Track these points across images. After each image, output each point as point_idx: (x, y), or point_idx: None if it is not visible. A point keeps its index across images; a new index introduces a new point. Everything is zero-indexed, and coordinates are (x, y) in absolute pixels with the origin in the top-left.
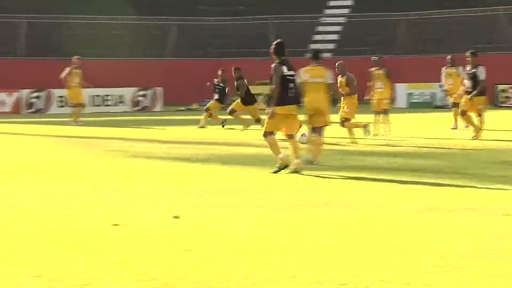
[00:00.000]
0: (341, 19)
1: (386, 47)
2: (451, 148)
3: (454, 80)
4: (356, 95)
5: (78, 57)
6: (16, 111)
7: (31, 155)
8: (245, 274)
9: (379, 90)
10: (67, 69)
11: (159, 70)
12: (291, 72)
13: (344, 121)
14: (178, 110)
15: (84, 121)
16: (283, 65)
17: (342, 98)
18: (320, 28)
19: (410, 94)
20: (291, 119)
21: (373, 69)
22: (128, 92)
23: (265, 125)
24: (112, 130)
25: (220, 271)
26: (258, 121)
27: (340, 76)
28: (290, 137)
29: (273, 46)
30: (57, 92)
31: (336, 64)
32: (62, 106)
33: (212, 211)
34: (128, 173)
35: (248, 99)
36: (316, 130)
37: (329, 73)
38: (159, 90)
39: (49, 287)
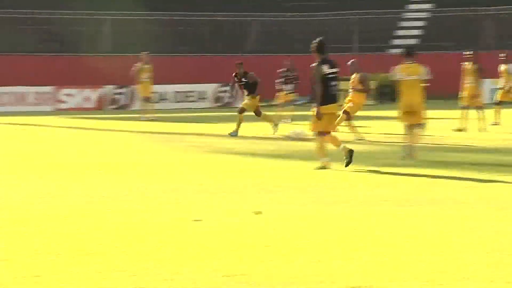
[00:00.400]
0: (425, 14)
1: (470, 42)
2: None
3: (506, 78)
4: (365, 94)
5: (146, 52)
6: (99, 107)
7: (118, 151)
8: (329, 270)
9: (469, 85)
10: (137, 65)
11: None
12: (334, 70)
13: (346, 114)
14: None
15: (162, 117)
16: (325, 63)
17: (351, 93)
18: (403, 24)
19: (494, 89)
20: (332, 117)
21: (465, 63)
22: (210, 88)
23: (312, 125)
24: (195, 126)
25: (305, 267)
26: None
27: (354, 73)
28: (326, 134)
29: (314, 45)
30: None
31: (350, 62)
32: None
33: (293, 207)
34: (211, 169)
35: (254, 90)
36: (411, 127)
37: (425, 70)
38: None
39: (133, 282)
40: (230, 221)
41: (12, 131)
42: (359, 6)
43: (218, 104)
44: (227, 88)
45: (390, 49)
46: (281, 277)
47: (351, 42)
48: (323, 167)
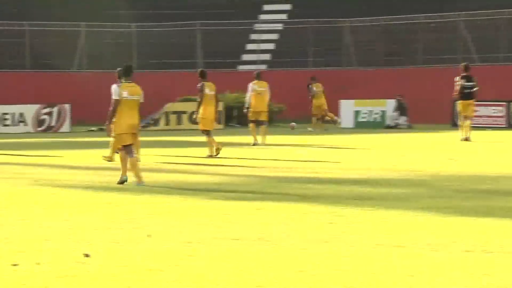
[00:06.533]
0: (278, 26)
1: (331, 57)
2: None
3: None
4: None
5: None
6: None
7: None
8: None
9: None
10: None
11: (65, 84)
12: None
13: None
14: (89, 131)
15: None
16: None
17: None
18: (254, 36)
19: (357, 111)
20: None
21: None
22: (30, 110)
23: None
24: (13, 154)
25: None
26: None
27: None
28: None
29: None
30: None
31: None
32: None
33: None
34: (32, 204)
35: None
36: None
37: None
38: (66, 107)
39: None
40: (57, 265)
41: None
42: (203, 16)
43: (40, 129)
44: (52, 109)
45: (240, 66)
46: None
47: (195, 57)
48: None
